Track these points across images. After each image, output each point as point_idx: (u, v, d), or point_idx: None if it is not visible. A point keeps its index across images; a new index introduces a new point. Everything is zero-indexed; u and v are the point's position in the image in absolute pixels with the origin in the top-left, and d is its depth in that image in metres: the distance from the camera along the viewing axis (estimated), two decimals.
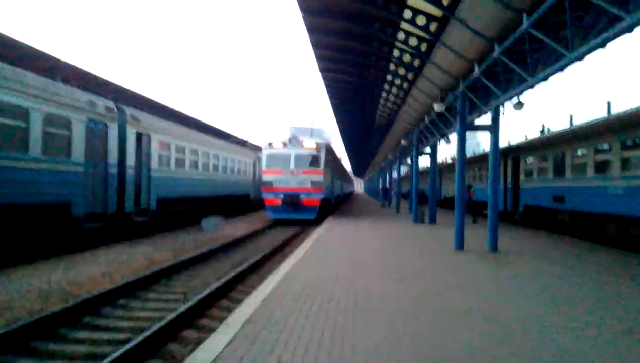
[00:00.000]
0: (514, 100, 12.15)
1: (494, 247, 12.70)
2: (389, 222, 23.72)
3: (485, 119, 15.18)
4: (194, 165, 23.41)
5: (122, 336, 6.83)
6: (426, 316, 6.25)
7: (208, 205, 26.96)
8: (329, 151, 28.17)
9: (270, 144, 25.14)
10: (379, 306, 6.75)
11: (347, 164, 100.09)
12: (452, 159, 48.23)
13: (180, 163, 21.58)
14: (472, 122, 13.62)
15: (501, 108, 12.81)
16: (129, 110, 16.96)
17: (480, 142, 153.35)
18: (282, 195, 24.06)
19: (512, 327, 5.83)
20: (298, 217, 23.98)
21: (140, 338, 6.14)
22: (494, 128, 12.78)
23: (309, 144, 25.00)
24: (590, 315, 6.48)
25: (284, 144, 24.95)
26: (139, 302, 8.88)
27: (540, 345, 5.21)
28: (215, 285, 9.46)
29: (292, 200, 23.83)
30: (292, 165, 24.37)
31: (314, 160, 24.65)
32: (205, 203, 26.54)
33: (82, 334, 6.89)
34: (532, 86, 9.26)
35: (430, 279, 8.84)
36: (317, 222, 24.06)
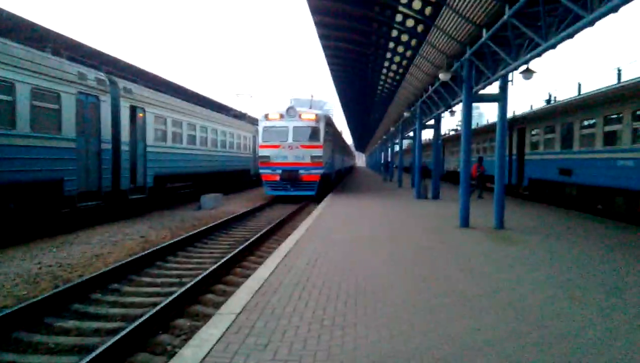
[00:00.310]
0: (522, 68, 11.55)
1: (501, 223, 12.27)
2: (391, 197, 23.28)
3: (492, 89, 14.61)
4: (192, 140, 22.86)
5: (111, 325, 6.45)
6: (433, 303, 5.83)
7: (207, 182, 26.53)
8: (329, 123, 26.66)
9: (266, 116, 23.57)
10: (381, 292, 6.33)
11: (348, 138, 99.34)
12: (455, 131, 47.52)
13: (177, 138, 21.03)
14: (478, 92, 13.00)
15: (509, 77, 12.21)
16: (122, 83, 16.34)
17: (483, 113, 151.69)
18: (279, 171, 22.74)
19: (526, 316, 5.41)
20: (297, 193, 22.80)
21: (129, 328, 5.76)
22: (502, 98, 12.19)
23: (308, 116, 23.47)
24: (607, 300, 6.06)
25: (281, 116, 23.35)
26: (131, 287, 8.49)
27: (559, 336, 4.79)
28: (211, 267, 9.06)
29: (290, 176, 22.59)
30: (289, 139, 22.94)
31: (313, 133, 23.16)
32: (204, 180, 26.11)
33: (69, 324, 6.50)
34: (545, 51, 8.63)
35: (435, 261, 8.42)
36: (317, 199, 23.02)
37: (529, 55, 9.31)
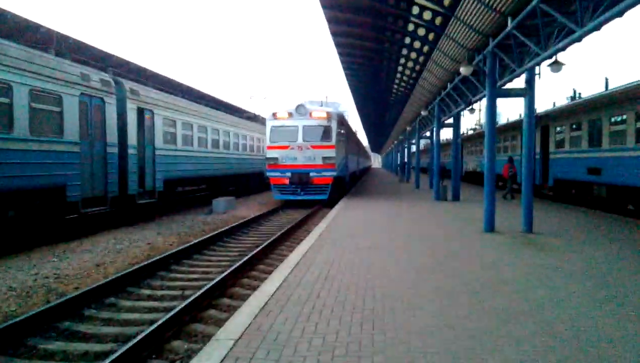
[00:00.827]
0: (549, 60, 10.67)
1: (529, 227, 11.38)
2: (409, 199, 22.40)
3: (516, 84, 13.71)
4: (204, 142, 22.30)
5: (100, 348, 5.79)
6: (463, 325, 5.04)
7: (220, 185, 25.98)
8: (342, 121, 24.93)
9: (274, 115, 22.03)
10: (403, 313, 5.55)
11: (364, 139, 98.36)
12: (474, 131, 46.37)
13: (188, 141, 20.47)
14: (502, 86, 12.13)
15: (537, 70, 11.34)
16: (128, 84, 15.80)
17: (500, 113, 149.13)
18: (289, 174, 21.25)
19: (580, 343, 4.59)
20: (308, 198, 21.21)
21: (117, 353, 5.08)
22: (528, 92, 11.31)
23: (319, 114, 21.83)
24: None
25: (290, 114, 21.79)
26: (129, 301, 7.84)
27: None
28: (217, 278, 8.37)
29: (300, 179, 21.12)
30: (299, 139, 21.42)
31: (325, 132, 21.55)
32: (216, 183, 25.56)
33: (54, 345, 5.85)
34: (580, 38, 7.77)
35: (461, 272, 7.60)
36: (329, 204, 21.74)
37: (560, 44, 8.44)
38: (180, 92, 26.03)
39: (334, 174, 21.40)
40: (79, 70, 13.16)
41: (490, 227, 11.58)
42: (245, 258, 9.90)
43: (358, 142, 45.03)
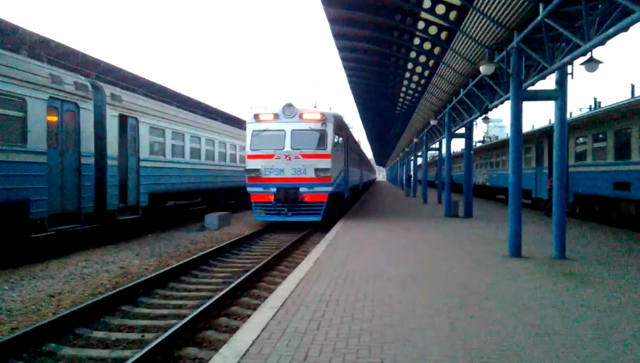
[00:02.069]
0: (584, 58, 9.12)
1: (562, 252, 9.72)
2: (417, 216, 20.70)
3: (541, 86, 12.13)
4: (197, 153, 20.81)
5: None
6: None
7: (216, 198, 24.45)
8: (341, 125, 20.10)
9: (256, 116, 17.96)
10: None
11: (368, 152, 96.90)
12: (483, 142, 44.80)
13: (178, 151, 18.98)
14: (528, 88, 10.58)
15: (569, 69, 9.78)
16: (109, 89, 14.34)
17: (505, 126, 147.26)
18: (273, 189, 17.31)
19: None
20: (297, 219, 17.38)
21: None
22: (560, 94, 9.73)
23: (311, 115, 17.76)
24: None
25: (276, 116, 17.80)
26: (72, 349, 6.22)
27: None
28: (188, 317, 6.77)
29: (288, 196, 17.18)
30: (287, 146, 17.45)
31: (319, 138, 17.58)
32: (212, 196, 24.04)
33: None
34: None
35: (490, 317, 5.96)
36: (325, 225, 18.11)
37: (612, 30, 6.86)
38: (175, 101, 24.63)
39: (330, 189, 17.52)
40: (47, 71, 11.70)
41: (516, 251, 9.93)
42: (226, 289, 8.29)
43: (361, 152, 39.65)
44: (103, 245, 14.15)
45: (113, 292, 8.21)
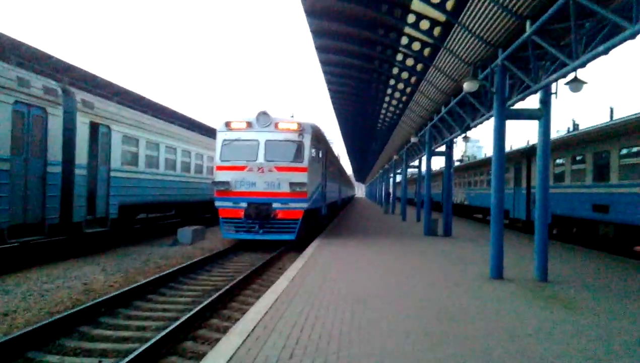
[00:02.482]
0: (570, 77, 9.00)
1: (544, 275, 9.48)
2: (396, 234, 20.41)
3: (525, 105, 12.03)
4: (172, 165, 20.20)
5: None
6: None
7: (191, 211, 23.80)
8: (318, 137, 18.63)
9: (227, 124, 16.58)
10: None
11: (348, 168, 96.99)
12: (461, 161, 45.08)
13: (152, 162, 18.37)
14: (512, 106, 10.42)
15: (553, 88, 9.64)
16: (80, 95, 13.74)
17: (482, 146, 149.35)
18: (244, 204, 15.85)
19: None
20: (268, 238, 15.99)
21: None
22: (544, 114, 9.57)
23: (287, 125, 16.44)
24: None
25: (249, 124, 16.43)
26: None
27: None
28: (151, 341, 6.25)
29: (259, 212, 15.71)
30: (260, 157, 16.03)
31: (295, 150, 16.28)
32: (187, 209, 23.38)
33: None
34: (633, 37, 6.01)
35: (475, 342, 5.61)
36: (299, 244, 16.83)
37: (602, 48, 6.67)
38: (151, 110, 24.05)
39: (306, 205, 16.18)
40: (14, 73, 11.11)
41: (497, 273, 9.65)
42: (195, 310, 7.78)
43: (340, 167, 38.04)
44: (68, 259, 13.44)
45: (72, 310, 7.64)
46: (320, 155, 19.13)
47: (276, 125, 16.39)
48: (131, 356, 5.67)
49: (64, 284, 10.28)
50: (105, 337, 7.06)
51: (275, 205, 15.82)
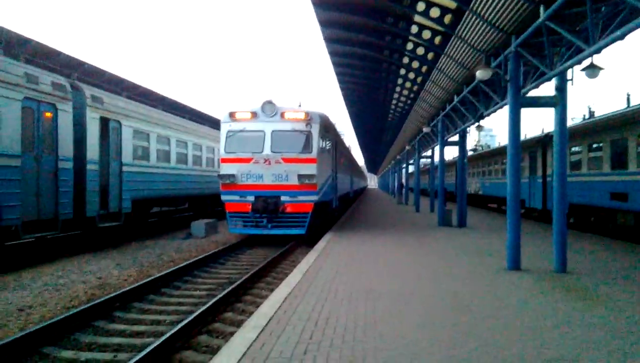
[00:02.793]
0: (583, 64, 8.78)
1: (563, 265, 9.29)
2: (409, 225, 20.25)
3: (539, 92, 11.75)
4: (183, 158, 20.23)
5: None
6: None
7: (204, 204, 23.84)
8: (327, 127, 17.88)
9: (232, 115, 15.83)
10: None
11: (360, 159, 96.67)
12: (474, 150, 44.66)
13: (164, 156, 18.39)
14: (527, 94, 10.19)
15: (569, 74, 9.40)
16: (89, 90, 13.76)
17: (495, 135, 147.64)
18: (251, 198, 15.18)
19: None
20: (277, 232, 15.31)
21: None
22: (560, 101, 9.35)
23: (294, 114, 15.71)
24: None
25: (254, 115, 15.72)
26: None
27: None
28: (165, 336, 6.23)
29: (267, 206, 14.98)
30: (266, 148, 15.31)
31: (303, 140, 15.54)
32: (200, 202, 23.44)
33: None
34: None
35: (493, 336, 5.50)
36: (310, 239, 16.28)
37: (619, 32, 6.45)
38: (161, 104, 24.07)
39: (316, 198, 15.44)
40: (23, 70, 11.12)
41: (515, 264, 9.49)
42: (209, 303, 7.74)
43: (351, 158, 36.65)
44: (82, 253, 13.53)
45: (87, 305, 7.65)
46: (330, 145, 18.47)
47: (282, 115, 15.64)
48: (146, 351, 5.64)
49: (79, 279, 10.33)
50: (120, 332, 7.06)
51: (283, 198, 15.17)
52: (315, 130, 15.67)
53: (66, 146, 12.48)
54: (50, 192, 11.97)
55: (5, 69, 10.54)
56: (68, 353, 6.17)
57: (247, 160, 15.35)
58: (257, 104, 15.86)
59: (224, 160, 15.58)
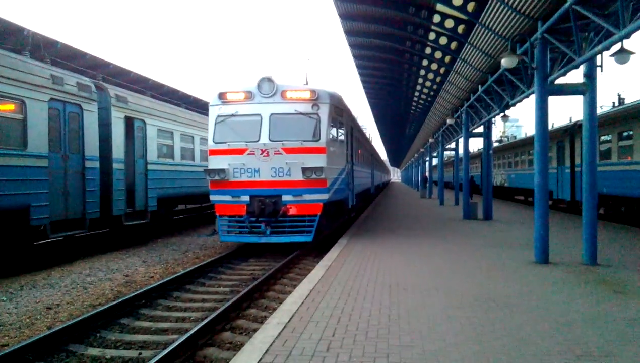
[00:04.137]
0: (612, 49, 8.45)
1: (593, 257, 9.01)
2: (434, 218, 20.00)
3: (566, 79, 11.39)
4: (206, 156, 20.32)
5: None
6: None
7: None
8: (340, 108, 14.56)
9: (222, 96, 13.17)
10: None
11: (382, 153, 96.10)
12: (500, 141, 43.88)
13: (188, 154, 18.56)
14: (555, 81, 9.88)
15: (598, 61, 9.08)
16: (113, 90, 13.94)
17: (521, 125, 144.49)
18: (246, 198, 12.49)
19: None
20: (278, 240, 12.56)
21: None
22: (589, 89, 9.04)
23: (298, 94, 12.92)
24: None
25: (248, 95, 12.94)
26: None
27: None
28: (189, 332, 6.26)
29: (265, 208, 12.28)
30: (263, 136, 12.57)
31: (309, 126, 12.76)
32: None
33: None
34: None
35: (521, 331, 5.35)
36: (317, 246, 13.71)
37: None
38: (184, 103, 24.25)
39: (325, 196, 12.65)
40: (49, 71, 11.32)
41: (543, 256, 9.24)
42: (232, 300, 7.76)
43: (371, 148, 32.29)
44: (109, 251, 13.76)
45: (113, 303, 7.75)
46: (344, 132, 15.19)
47: (283, 95, 12.83)
48: (169, 348, 5.66)
49: (105, 276, 10.50)
50: (145, 329, 7.12)
51: (285, 197, 12.44)
52: (324, 113, 12.82)
53: (92, 146, 12.68)
54: (78, 191, 12.18)
55: (31, 71, 10.73)
56: (94, 351, 6.24)
57: (241, 152, 12.63)
58: (253, 82, 13.12)
59: (213, 152, 13.02)
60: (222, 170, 12.56)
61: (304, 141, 12.54)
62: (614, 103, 22.32)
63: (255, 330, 6.02)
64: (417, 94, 23.96)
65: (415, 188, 55.33)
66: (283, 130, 12.66)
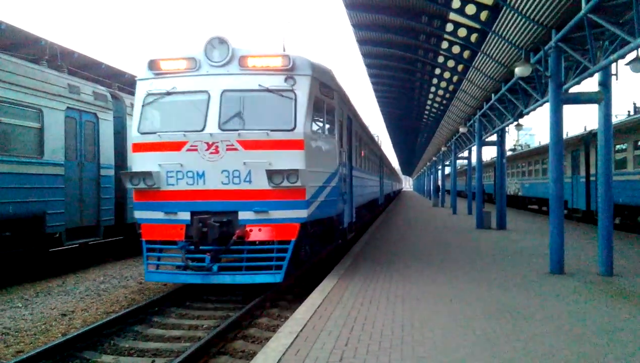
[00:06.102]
0: (627, 58, 8.40)
1: (609, 268, 8.89)
2: (447, 228, 19.88)
3: (580, 88, 11.31)
4: None
5: None
6: None
7: None
8: (329, 85, 9.62)
9: (154, 65, 8.80)
10: None
11: (395, 162, 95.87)
12: (513, 150, 43.58)
13: None
14: (569, 90, 9.82)
15: (613, 69, 9.01)
16: (129, 99, 14.12)
17: (534, 134, 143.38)
18: (185, 216, 8.43)
19: None
20: (230, 281, 8.36)
21: None
22: (604, 97, 8.96)
23: (263, 60, 8.54)
24: None
25: (191, 63, 8.66)
26: None
27: None
28: (203, 339, 6.27)
29: (212, 231, 8.01)
30: (211, 124, 8.37)
31: (281, 107, 8.45)
32: None
33: None
34: None
35: (538, 344, 5.30)
36: (288, 287, 9.76)
37: None
38: None
39: (304, 214, 8.45)
40: (65, 81, 11.51)
41: (558, 267, 9.13)
42: (245, 308, 7.77)
43: (379, 150, 26.87)
44: (124, 258, 13.86)
45: (126, 310, 7.80)
46: (335, 119, 10.13)
47: (243, 62, 8.56)
48: (182, 357, 5.68)
49: (119, 283, 10.59)
50: (158, 336, 7.14)
51: (243, 215, 8.33)
52: (303, 90, 8.50)
53: (107, 154, 12.84)
54: (93, 199, 12.33)
55: (48, 81, 10.92)
56: (108, 358, 6.28)
57: (178, 147, 8.42)
58: (199, 47, 8.73)
59: (137, 148, 8.79)
60: (150, 174, 8.43)
61: (272, 131, 8.29)
62: (629, 112, 22.05)
63: (267, 339, 6.02)
64: (429, 102, 23.93)
65: (427, 196, 55.08)
66: (241, 115, 8.51)
